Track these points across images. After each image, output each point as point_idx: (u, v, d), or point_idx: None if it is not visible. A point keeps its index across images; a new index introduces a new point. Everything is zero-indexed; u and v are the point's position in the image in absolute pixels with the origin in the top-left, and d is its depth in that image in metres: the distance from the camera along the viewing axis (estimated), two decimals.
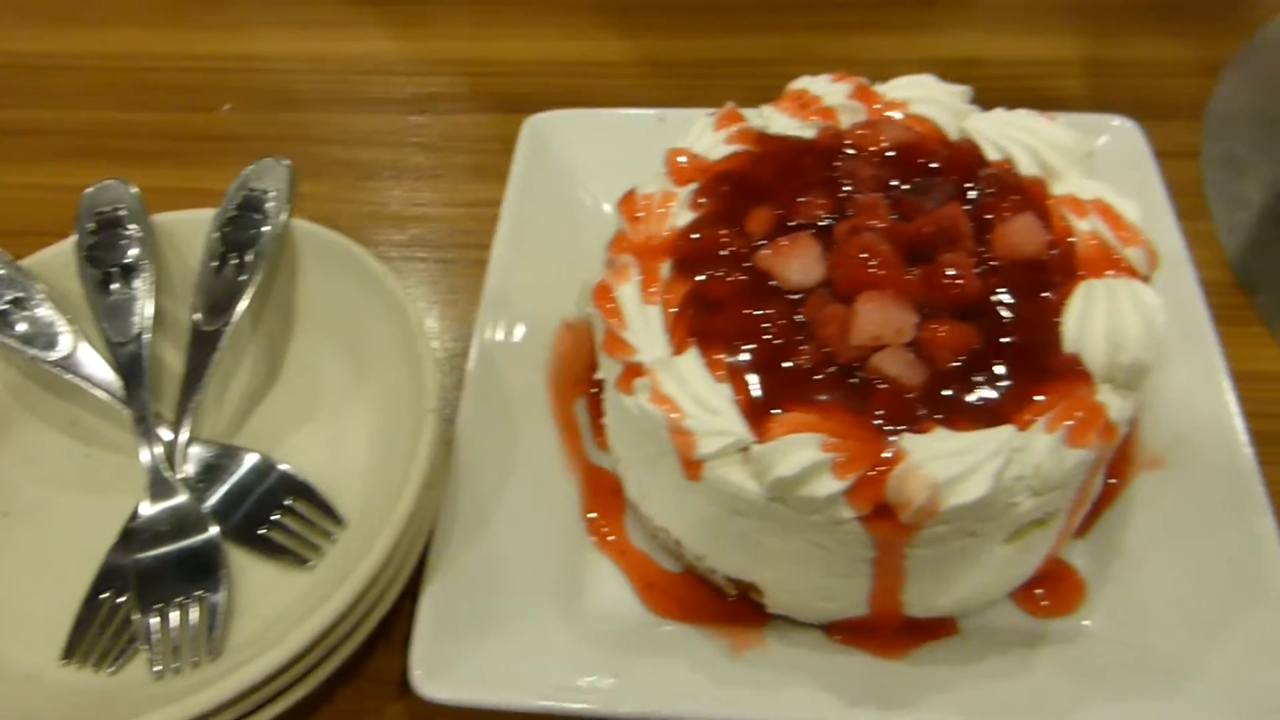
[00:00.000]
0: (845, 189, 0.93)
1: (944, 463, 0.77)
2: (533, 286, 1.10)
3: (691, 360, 0.85)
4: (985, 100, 1.03)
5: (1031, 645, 0.91)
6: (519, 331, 1.07)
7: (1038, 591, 0.95)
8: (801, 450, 0.79)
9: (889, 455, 0.79)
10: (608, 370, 0.90)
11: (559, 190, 1.18)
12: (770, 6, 1.46)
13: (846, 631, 0.92)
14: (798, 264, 0.87)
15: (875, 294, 0.83)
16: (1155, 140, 1.31)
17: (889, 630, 0.91)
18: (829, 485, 0.78)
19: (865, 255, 0.85)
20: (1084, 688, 0.86)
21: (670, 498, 0.91)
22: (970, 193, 0.93)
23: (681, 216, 0.94)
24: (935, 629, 0.92)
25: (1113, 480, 0.98)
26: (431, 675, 0.85)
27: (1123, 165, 1.14)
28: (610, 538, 0.99)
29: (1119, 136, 1.17)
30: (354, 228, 1.26)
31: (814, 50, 1.42)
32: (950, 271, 0.85)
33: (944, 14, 1.46)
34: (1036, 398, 0.82)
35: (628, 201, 0.96)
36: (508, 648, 0.89)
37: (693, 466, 0.83)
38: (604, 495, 1.01)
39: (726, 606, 0.95)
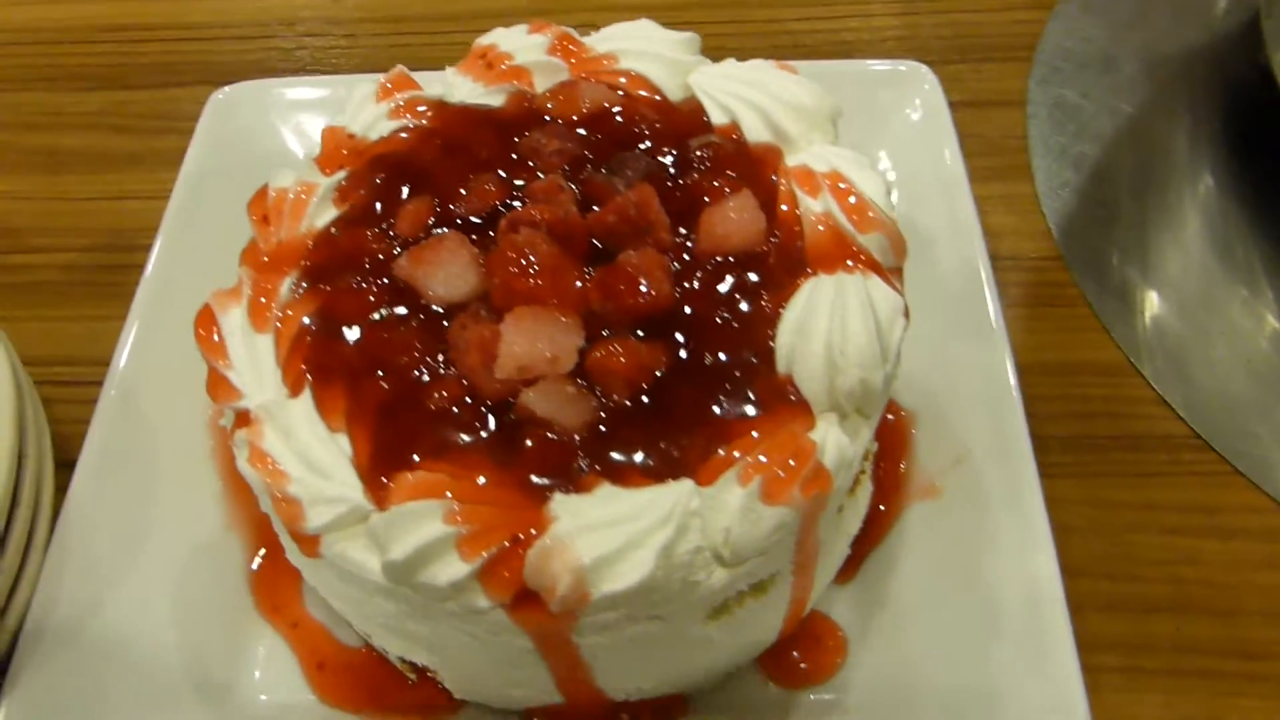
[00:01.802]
0: (526, 171, 0.74)
1: (595, 537, 0.59)
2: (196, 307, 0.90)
3: (304, 405, 0.66)
4: (778, 50, 0.85)
5: None
6: (177, 356, 0.87)
7: (793, 654, 0.78)
8: (420, 524, 0.60)
9: (533, 525, 0.61)
10: (226, 416, 0.72)
11: (248, 179, 0.97)
12: None
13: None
14: (443, 274, 0.69)
15: (525, 311, 0.65)
16: (979, 87, 1.14)
17: (596, 717, 0.74)
18: (453, 569, 0.60)
19: (523, 258, 0.66)
20: None
21: (312, 569, 0.73)
22: (680, 168, 0.74)
23: (321, 215, 0.75)
24: (656, 712, 0.75)
25: (883, 508, 0.81)
26: None
27: (914, 119, 0.97)
28: (281, 606, 0.81)
29: (909, 85, 0.98)
30: (35, 230, 1.08)
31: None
32: (631, 275, 0.67)
33: None
34: (732, 439, 0.64)
35: (257, 201, 0.77)
36: None
37: (306, 542, 0.65)
38: (278, 555, 0.82)
39: (409, 692, 0.77)
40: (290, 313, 0.70)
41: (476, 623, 0.63)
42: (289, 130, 1.01)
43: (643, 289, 0.66)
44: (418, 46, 1.20)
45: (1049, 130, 1.10)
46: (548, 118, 0.78)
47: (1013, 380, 0.81)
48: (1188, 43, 1.16)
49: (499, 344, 0.64)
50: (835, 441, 0.64)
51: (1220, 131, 1.08)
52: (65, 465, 0.83)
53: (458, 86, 0.81)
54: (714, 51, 0.83)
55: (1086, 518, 0.86)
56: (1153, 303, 0.98)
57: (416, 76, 0.82)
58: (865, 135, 0.96)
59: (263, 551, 0.83)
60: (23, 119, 1.16)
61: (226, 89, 1.00)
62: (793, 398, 0.66)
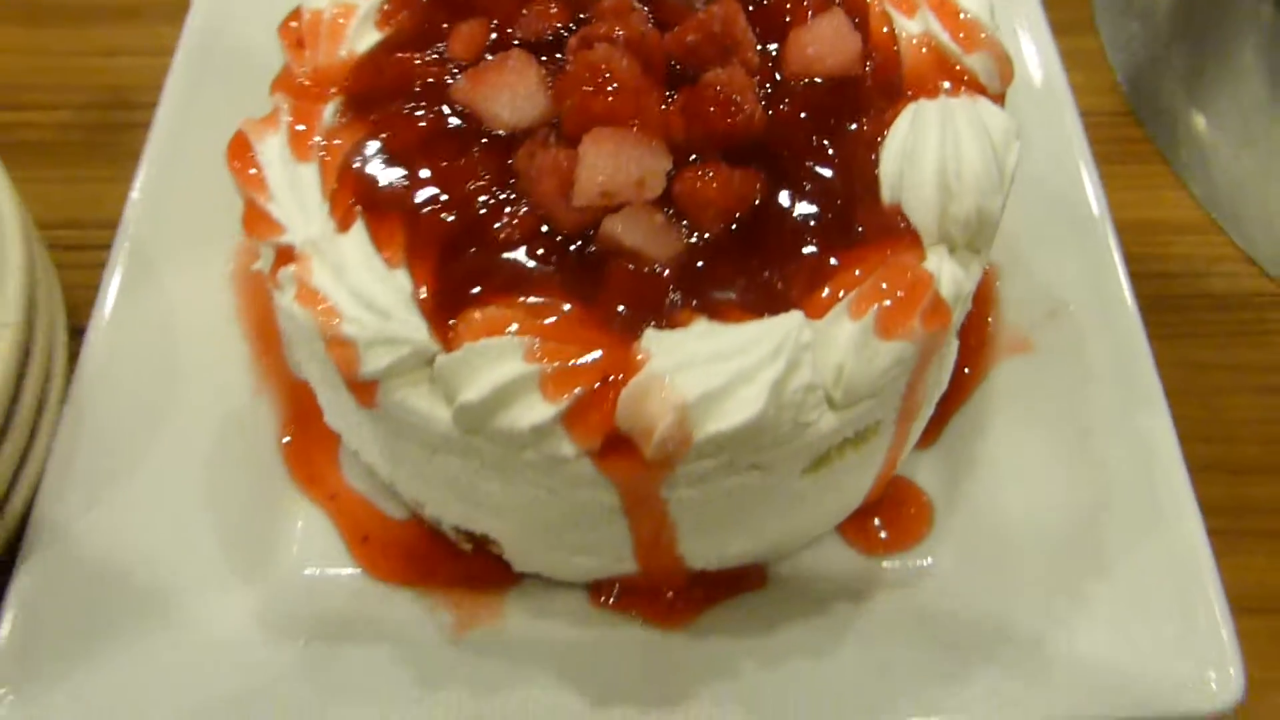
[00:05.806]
0: None
1: (698, 372, 0.54)
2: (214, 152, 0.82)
3: (356, 239, 0.60)
4: None
5: (857, 598, 0.69)
6: (193, 209, 0.80)
7: (875, 522, 0.73)
8: (498, 362, 0.54)
9: (623, 364, 0.55)
10: (264, 257, 0.64)
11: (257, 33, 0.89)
12: None
13: (615, 593, 0.69)
14: (508, 95, 0.61)
15: (606, 131, 0.58)
16: None
17: (671, 589, 0.69)
18: (535, 411, 0.54)
19: (599, 77, 0.59)
20: (911, 663, 0.65)
21: (363, 428, 0.67)
22: None
23: (363, 38, 0.67)
24: (734, 583, 0.70)
25: (967, 370, 0.76)
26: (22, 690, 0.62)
27: None
28: (317, 476, 0.75)
29: None
30: (22, 87, 0.99)
31: None
32: (720, 94, 0.60)
33: None
34: (840, 270, 0.58)
35: (289, 23, 0.69)
36: (150, 640, 0.65)
37: (362, 390, 0.58)
38: (312, 421, 0.75)
39: (463, 564, 0.71)
40: (337, 140, 0.63)
41: (556, 475, 0.57)
42: None
43: (733, 110, 0.59)
44: None
45: None
46: None
47: (1110, 227, 0.75)
48: None
49: (578, 167, 0.57)
50: (951, 273, 0.59)
51: None
52: (78, 332, 0.76)
53: None
54: None
55: (1176, 380, 0.80)
56: (1225, 155, 0.92)
57: None
58: None
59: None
60: None
61: None
62: (901, 226, 0.60)
